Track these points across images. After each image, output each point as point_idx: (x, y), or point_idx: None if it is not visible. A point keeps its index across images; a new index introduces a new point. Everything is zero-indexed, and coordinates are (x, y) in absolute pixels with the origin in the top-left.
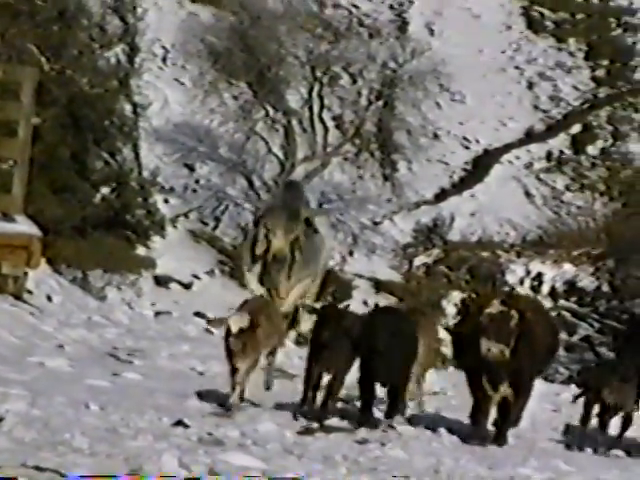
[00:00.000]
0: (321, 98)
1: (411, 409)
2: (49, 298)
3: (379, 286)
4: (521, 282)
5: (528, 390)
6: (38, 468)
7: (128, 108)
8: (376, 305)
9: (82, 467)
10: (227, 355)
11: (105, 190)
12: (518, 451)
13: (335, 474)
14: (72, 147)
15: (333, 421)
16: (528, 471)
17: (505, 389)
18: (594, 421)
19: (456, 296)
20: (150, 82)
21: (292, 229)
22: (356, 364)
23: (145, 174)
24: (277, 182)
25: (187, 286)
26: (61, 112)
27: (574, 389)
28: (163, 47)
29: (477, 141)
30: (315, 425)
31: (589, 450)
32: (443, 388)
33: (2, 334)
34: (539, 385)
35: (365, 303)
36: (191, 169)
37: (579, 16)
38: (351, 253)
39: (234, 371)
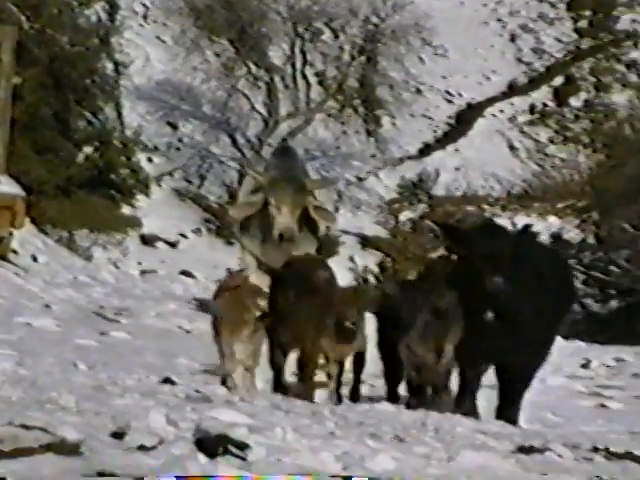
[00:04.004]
0: (303, 54)
1: None
2: (35, 258)
3: (365, 242)
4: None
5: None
6: (25, 427)
7: (109, 66)
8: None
9: (69, 425)
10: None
11: (88, 149)
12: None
13: (323, 429)
14: (54, 106)
15: (321, 377)
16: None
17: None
18: None
19: (442, 251)
20: (131, 40)
21: (299, 204)
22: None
23: (128, 133)
24: (261, 139)
25: (173, 245)
26: (42, 71)
27: (561, 341)
28: (143, 4)
29: (460, 95)
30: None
31: None
32: None
33: None
34: None
35: (352, 259)
36: (174, 127)
37: None
38: (336, 209)
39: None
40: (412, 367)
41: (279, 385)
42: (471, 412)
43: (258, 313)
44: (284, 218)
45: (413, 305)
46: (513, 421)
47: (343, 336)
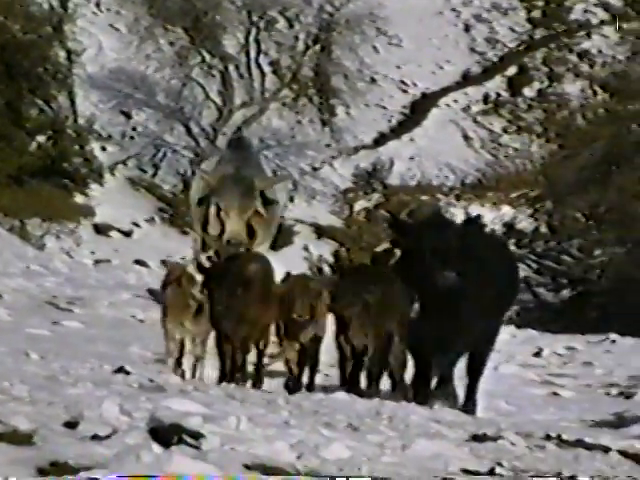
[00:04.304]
0: (258, 43)
1: None
2: None
3: (320, 231)
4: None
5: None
6: None
7: (62, 55)
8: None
9: (22, 415)
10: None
11: (41, 138)
12: (461, 392)
13: (278, 418)
14: (6, 95)
15: (277, 366)
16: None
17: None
18: None
19: (387, 244)
20: (84, 28)
21: (247, 207)
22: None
23: (81, 122)
24: (215, 128)
25: (127, 234)
26: None
27: (513, 330)
28: None
29: (415, 85)
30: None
31: None
32: None
33: None
34: None
35: (306, 249)
36: (128, 116)
37: None
38: (291, 199)
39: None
40: (349, 356)
41: (225, 375)
42: (425, 399)
43: (193, 303)
44: (232, 224)
45: (350, 295)
46: (452, 406)
47: (290, 329)
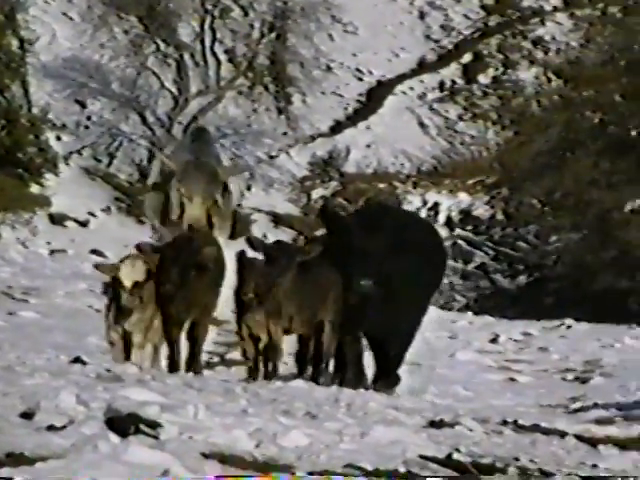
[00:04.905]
0: (213, 31)
1: None
2: None
3: (277, 220)
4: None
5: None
6: None
7: (15, 43)
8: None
9: None
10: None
11: None
12: (418, 378)
13: (236, 407)
14: None
15: (234, 355)
16: (428, 397)
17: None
18: None
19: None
20: (37, 16)
21: (210, 195)
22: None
23: (35, 111)
24: (171, 117)
25: (83, 224)
26: None
27: (470, 317)
28: None
29: (370, 72)
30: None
31: None
32: None
33: None
34: (436, 312)
35: (264, 237)
36: (82, 105)
37: None
38: (248, 188)
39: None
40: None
41: (174, 363)
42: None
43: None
44: (195, 210)
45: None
46: (393, 385)
47: (241, 309)
